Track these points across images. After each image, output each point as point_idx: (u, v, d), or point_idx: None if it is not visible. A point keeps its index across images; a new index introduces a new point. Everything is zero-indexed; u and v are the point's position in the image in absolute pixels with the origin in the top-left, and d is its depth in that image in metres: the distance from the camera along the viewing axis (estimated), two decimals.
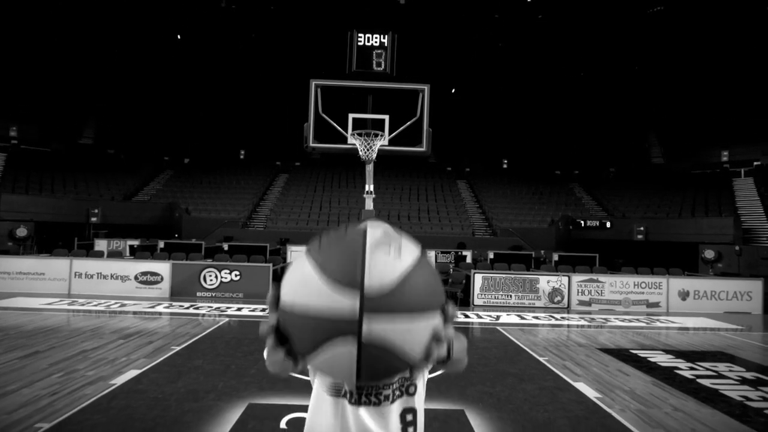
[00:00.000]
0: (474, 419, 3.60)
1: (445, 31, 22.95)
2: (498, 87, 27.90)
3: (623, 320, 8.57)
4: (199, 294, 9.55)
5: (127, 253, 13.38)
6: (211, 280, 9.60)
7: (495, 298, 9.74)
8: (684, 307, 9.82)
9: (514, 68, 26.23)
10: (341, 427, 1.12)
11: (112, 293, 9.38)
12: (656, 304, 9.81)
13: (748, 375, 5.11)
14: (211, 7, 21.38)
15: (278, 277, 10.05)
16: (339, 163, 28.83)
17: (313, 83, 6.81)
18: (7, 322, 6.74)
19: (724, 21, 20.82)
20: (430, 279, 0.84)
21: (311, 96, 6.69)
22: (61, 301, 8.66)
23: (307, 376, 1.20)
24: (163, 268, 9.64)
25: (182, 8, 21.57)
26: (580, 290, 9.80)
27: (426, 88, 6.45)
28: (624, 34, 22.71)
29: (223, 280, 9.60)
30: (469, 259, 13.97)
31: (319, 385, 1.18)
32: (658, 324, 8.35)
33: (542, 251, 16.28)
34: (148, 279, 9.56)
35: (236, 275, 9.62)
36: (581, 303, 9.75)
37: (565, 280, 9.83)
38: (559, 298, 9.74)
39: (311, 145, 7.17)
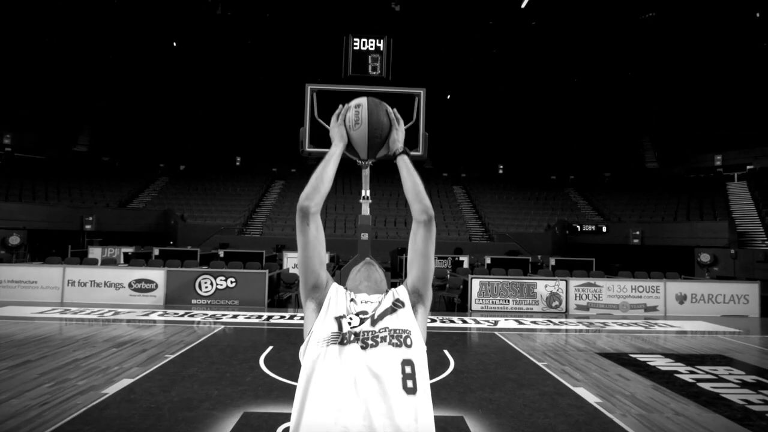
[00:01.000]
0: (474, 426, 3.54)
1: (439, 36, 23.10)
2: (493, 93, 28.07)
3: (621, 324, 8.54)
4: (194, 301, 9.44)
5: (122, 261, 13.24)
6: (206, 287, 9.50)
7: (493, 303, 9.69)
8: (681, 311, 9.81)
9: (509, 74, 26.42)
10: (348, 367, 1.22)
11: (106, 301, 9.26)
12: (654, 308, 9.80)
13: (748, 378, 5.09)
14: (207, 14, 21.43)
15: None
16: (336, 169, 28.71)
17: (309, 88, 6.80)
18: None
19: (716, 27, 21.10)
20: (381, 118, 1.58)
21: (306, 101, 6.68)
22: (53, 309, 8.53)
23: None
24: (157, 275, 9.53)
25: (178, 15, 21.60)
26: (577, 294, 9.77)
27: (422, 92, 6.45)
28: (617, 41, 22.95)
29: (219, 287, 9.50)
30: (466, 265, 13.93)
31: (319, 342, 1.29)
32: (657, 328, 8.33)
33: (539, 256, 16.28)
34: (143, 286, 9.44)
35: (232, 282, 9.52)
36: (579, 307, 9.72)
37: (562, 284, 9.80)
38: (557, 302, 9.71)
39: (307, 149, 7.14)
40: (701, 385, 4.80)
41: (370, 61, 7.15)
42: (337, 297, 1.42)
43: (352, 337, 1.29)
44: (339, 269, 12.35)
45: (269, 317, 8.25)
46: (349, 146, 1.61)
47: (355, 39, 7.35)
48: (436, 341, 6.53)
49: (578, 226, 22.00)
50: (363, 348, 1.26)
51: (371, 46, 7.34)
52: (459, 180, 30.15)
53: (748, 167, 25.37)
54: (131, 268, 9.92)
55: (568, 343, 6.86)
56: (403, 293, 1.48)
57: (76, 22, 21.51)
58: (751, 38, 21.34)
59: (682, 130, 27.79)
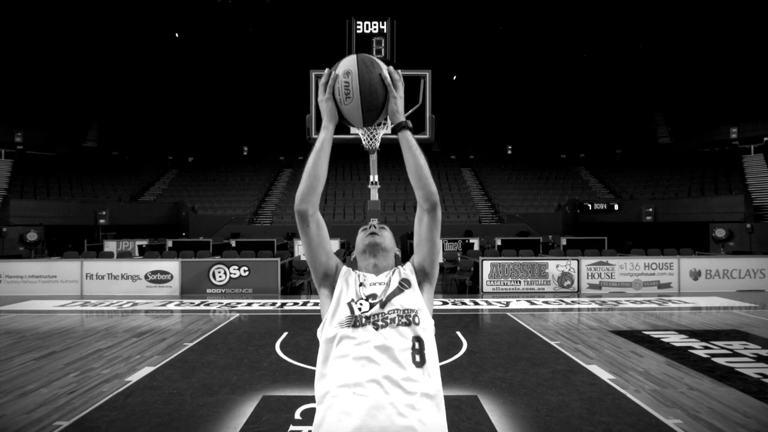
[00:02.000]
0: (488, 404, 3.60)
1: (443, 15, 22.61)
2: (500, 72, 27.53)
3: (634, 302, 8.51)
4: (208, 291, 9.62)
5: (136, 253, 13.50)
6: (220, 276, 9.66)
7: (504, 284, 9.71)
8: (696, 287, 9.72)
9: (516, 52, 25.84)
10: (362, 345, 1.30)
11: (124, 293, 9.48)
12: (667, 285, 9.72)
13: (764, 352, 5.06)
14: (207, 3, 21.24)
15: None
16: (342, 155, 28.72)
17: (313, 74, 6.73)
18: (22, 324, 6.84)
19: None
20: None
21: (311, 87, 6.62)
22: (73, 302, 8.76)
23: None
24: (172, 266, 9.71)
25: (178, 6, 21.45)
26: (589, 273, 9.73)
27: (427, 73, 6.34)
28: (627, 12, 22.24)
29: (232, 276, 9.65)
30: (476, 247, 13.92)
31: (334, 325, 1.38)
32: (670, 305, 8.28)
33: (550, 236, 16.18)
34: (158, 278, 9.64)
35: (245, 271, 9.67)
36: (591, 286, 9.69)
37: (574, 264, 9.76)
38: (568, 282, 9.69)
39: (313, 136, 7.10)
40: (716, 360, 4.79)
41: (374, 44, 7.04)
42: (347, 283, 1.48)
43: (364, 320, 1.36)
44: (349, 255, 12.43)
45: (283, 304, 8.38)
46: (341, 117, 1.46)
47: (357, 22, 7.23)
48: (448, 323, 6.58)
49: (589, 205, 21.75)
50: (375, 329, 1.35)
51: (375, 29, 7.21)
52: (467, 162, 29.88)
53: (765, 139, 24.67)
54: (146, 260, 10.11)
55: (580, 322, 6.86)
56: (409, 272, 1.53)
57: (77, 17, 21.49)
58: (766, 5, 20.50)
59: (696, 103, 27.04)
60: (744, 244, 15.39)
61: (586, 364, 4.64)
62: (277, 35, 24.09)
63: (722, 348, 5.25)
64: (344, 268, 1.55)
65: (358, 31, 7.19)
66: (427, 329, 1.39)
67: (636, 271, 9.73)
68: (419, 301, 1.44)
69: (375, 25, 7.19)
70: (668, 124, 29.19)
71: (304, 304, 8.42)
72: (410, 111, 8.06)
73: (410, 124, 1.45)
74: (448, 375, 4.28)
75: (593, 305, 8.30)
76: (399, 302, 1.40)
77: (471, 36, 24.17)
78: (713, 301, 8.63)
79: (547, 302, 8.60)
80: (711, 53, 24.59)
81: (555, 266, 9.75)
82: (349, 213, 22.14)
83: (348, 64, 1.41)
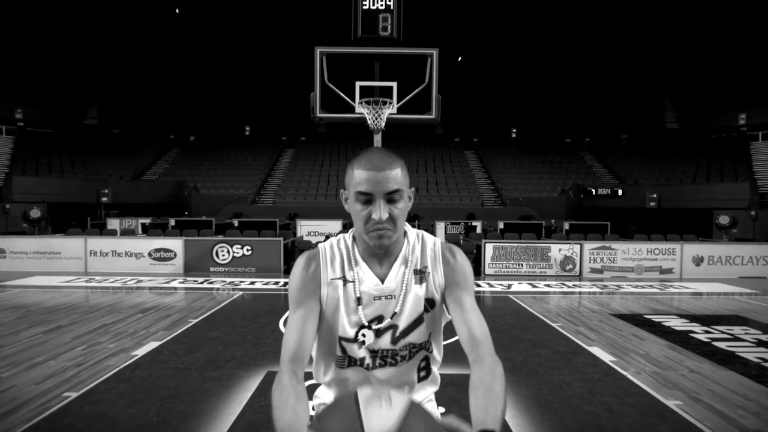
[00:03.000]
0: None
1: None
2: (506, 54, 27.02)
3: (636, 286, 8.54)
4: (212, 269, 9.69)
5: (140, 231, 13.54)
6: (223, 255, 9.70)
7: (506, 267, 9.74)
8: (698, 273, 9.74)
9: (523, 33, 25.30)
10: (367, 376, 1.11)
11: (128, 270, 9.55)
12: (669, 270, 9.74)
13: (764, 337, 5.08)
14: None
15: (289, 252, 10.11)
16: (345, 136, 28.50)
17: (318, 51, 6.61)
18: (28, 299, 6.91)
19: None
20: (426, 417, 0.87)
21: (316, 65, 6.51)
22: (78, 278, 8.84)
23: None
24: (175, 244, 9.75)
25: None
26: (592, 258, 9.74)
27: (434, 52, 6.21)
28: None
29: (235, 255, 9.69)
30: (479, 230, 13.92)
31: (324, 357, 1.16)
32: (672, 290, 8.31)
33: (553, 220, 16.15)
34: (162, 255, 9.69)
35: (248, 250, 9.70)
36: (593, 270, 9.71)
37: (577, 248, 9.76)
38: (570, 266, 9.71)
39: (318, 115, 7.03)
40: (716, 344, 4.82)
41: (380, 20, 6.88)
42: (337, 293, 1.07)
43: (368, 359, 1.08)
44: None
45: (285, 283, 8.44)
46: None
47: None
48: None
49: (593, 190, 21.64)
50: (381, 366, 1.09)
51: (381, 5, 7.05)
52: (471, 145, 29.63)
53: None
54: (150, 238, 10.15)
55: (582, 305, 6.90)
56: (438, 279, 1.12)
57: None
58: None
59: (705, 88, 26.56)
60: (747, 232, 15.36)
61: (587, 346, 4.68)
62: (280, 11, 23.60)
63: (723, 333, 5.28)
64: (322, 258, 1.10)
65: (364, 7, 7.02)
66: (437, 342, 1.19)
67: (638, 256, 9.74)
68: (438, 323, 1.15)
69: (381, 1, 7.02)
70: (676, 109, 28.76)
71: None
72: (416, 90, 7.97)
73: None
74: (450, 355, 4.29)
75: (595, 289, 8.33)
76: (417, 336, 1.10)
77: (479, 14, 23.63)
78: (715, 287, 8.66)
79: (548, 285, 8.64)
80: (722, 38, 24.03)
81: (557, 250, 9.75)
82: None
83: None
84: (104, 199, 20.40)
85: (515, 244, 9.85)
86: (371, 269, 1.08)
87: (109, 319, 5.67)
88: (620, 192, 21.30)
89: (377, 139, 7.25)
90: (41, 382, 3.57)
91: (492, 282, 8.96)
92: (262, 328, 5.31)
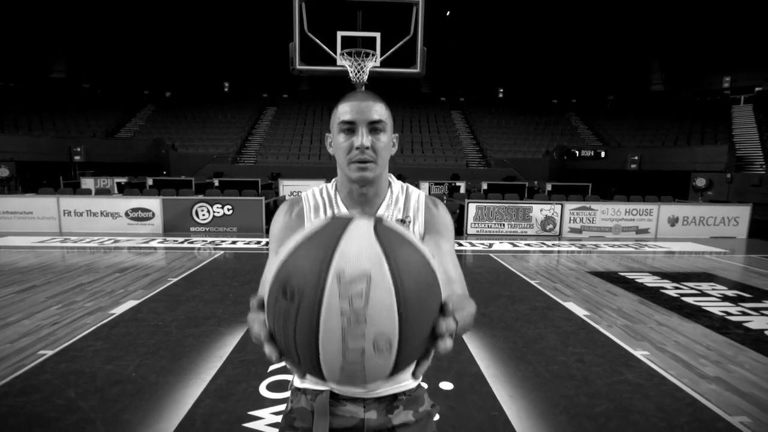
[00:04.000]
0: (468, 338, 3.73)
1: None
2: (495, 11, 26.07)
3: (613, 246, 8.77)
4: (192, 229, 9.53)
5: (116, 191, 13.14)
6: (203, 214, 9.52)
7: (488, 227, 9.85)
8: (672, 233, 10.04)
9: None
10: None
11: (104, 230, 9.33)
12: (645, 231, 10.01)
13: (730, 293, 5.32)
14: None
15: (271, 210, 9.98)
16: (328, 94, 27.66)
17: (296, 0, 6.19)
18: (0, 259, 6.71)
19: None
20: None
21: (295, 12, 6.11)
22: (52, 239, 8.60)
23: None
24: (154, 204, 9.50)
25: None
26: (572, 218, 9.91)
27: (420, 1, 5.88)
28: None
29: (216, 214, 9.52)
30: (462, 190, 13.95)
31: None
32: (647, 249, 8.57)
33: (536, 181, 16.29)
34: (140, 215, 9.45)
35: (228, 210, 9.54)
36: (573, 230, 9.91)
37: (558, 208, 9.89)
38: (551, 226, 9.87)
39: (297, 67, 6.70)
40: (685, 299, 5.03)
41: None
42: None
43: None
44: None
45: (267, 243, 8.37)
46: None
47: None
48: None
49: (576, 152, 21.77)
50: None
51: None
52: (457, 104, 29.16)
53: (756, 89, 24.50)
54: (127, 198, 9.85)
55: (560, 263, 7.07)
56: (418, 230, 1.11)
57: None
58: None
59: (692, 50, 26.36)
60: (722, 194, 15.80)
61: (563, 302, 4.82)
62: None
63: (691, 288, 5.50)
64: (306, 204, 1.09)
65: None
66: None
67: (617, 216, 9.94)
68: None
69: None
70: (663, 71, 28.62)
71: None
72: (401, 42, 7.63)
73: None
74: None
75: (573, 248, 8.53)
76: None
77: None
78: (687, 246, 8.96)
79: (529, 245, 8.80)
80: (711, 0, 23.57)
81: (539, 210, 9.87)
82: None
83: (364, 259, 0.58)
84: (77, 158, 19.59)
85: (497, 205, 9.91)
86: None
87: (86, 278, 5.57)
88: (603, 154, 21.49)
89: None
90: (16, 340, 3.50)
91: (474, 241, 9.08)
92: (243, 286, 5.29)
